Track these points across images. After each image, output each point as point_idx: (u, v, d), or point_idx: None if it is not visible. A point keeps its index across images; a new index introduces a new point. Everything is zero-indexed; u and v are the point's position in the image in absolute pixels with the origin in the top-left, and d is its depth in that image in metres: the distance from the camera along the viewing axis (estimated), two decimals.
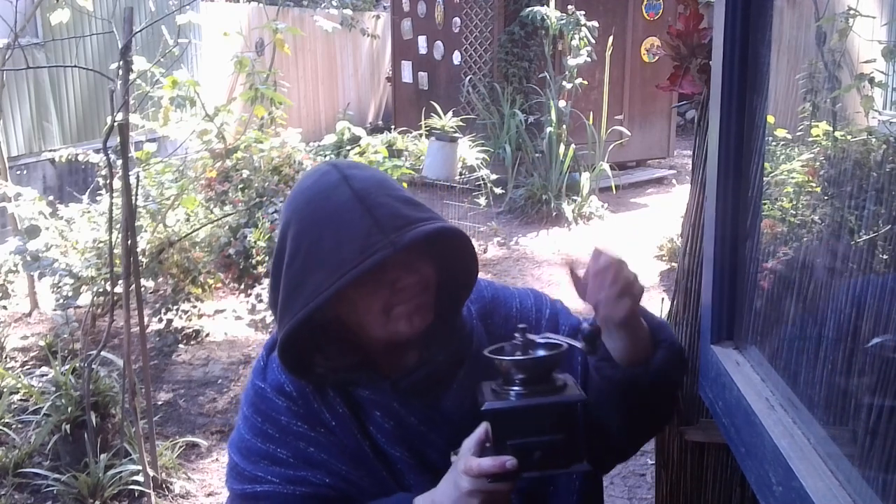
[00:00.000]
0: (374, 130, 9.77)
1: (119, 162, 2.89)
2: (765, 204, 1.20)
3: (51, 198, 4.32)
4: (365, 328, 1.08)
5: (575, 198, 7.36)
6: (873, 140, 1.08)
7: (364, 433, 1.11)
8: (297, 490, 1.09)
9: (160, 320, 4.00)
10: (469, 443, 0.97)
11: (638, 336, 1.07)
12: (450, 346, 1.12)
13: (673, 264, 5.47)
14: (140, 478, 2.91)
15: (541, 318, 1.23)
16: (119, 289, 3.08)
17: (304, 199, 1.06)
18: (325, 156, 7.43)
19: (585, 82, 7.52)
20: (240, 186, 3.99)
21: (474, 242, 1.25)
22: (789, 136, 1.31)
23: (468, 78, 8.59)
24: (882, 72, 1.08)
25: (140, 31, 3.11)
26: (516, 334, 1.01)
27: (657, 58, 8.39)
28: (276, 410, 1.12)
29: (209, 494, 3.10)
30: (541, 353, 1.00)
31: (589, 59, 7.38)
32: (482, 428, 0.97)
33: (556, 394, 0.98)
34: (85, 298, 4.06)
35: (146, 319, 3.27)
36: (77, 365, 3.23)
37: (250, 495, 1.11)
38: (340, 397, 1.11)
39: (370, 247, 0.99)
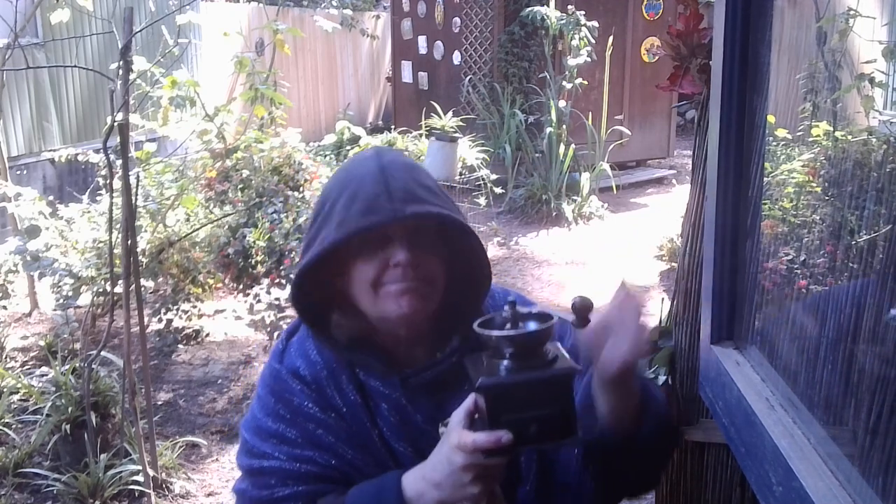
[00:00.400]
0: (374, 130, 9.77)
1: (119, 162, 2.89)
2: (765, 204, 1.20)
3: (51, 198, 4.32)
4: (360, 301, 1.12)
5: (575, 198, 7.36)
6: (874, 140, 1.08)
7: (373, 422, 1.13)
8: (302, 468, 1.11)
9: (160, 320, 4.00)
10: (458, 415, 0.97)
11: (624, 406, 1.07)
12: (463, 349, 1.13)
13: (673, 264, 5.47)
14: (140, 478, 2.91)
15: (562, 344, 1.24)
16: (119, 289, 3.07)
17: (340, 170, 1.17)
18: (325, 156, 7.45)
19: (585, 82, 7.52)
20: (239, 186, 3.99)
21: None
22: (790, 136, 1.31)
23: (468, 78, 8.59)
24: (882, 72, 1.08)
25: (140, 31, 3.10)
26: (505, 306, 1.00)
27: (657, 58, 8.39)
28: (289, 392, 1.15)
29: (209, 494, 3.10)
30: (532, 325, 0.99)
31: (589, 59, 7.38)
32: (471, 400, 0.97)
33: (549, 367, 0.96)
34: (85, 298, 4.06)
35: (146, 319, 3.27)
36: (77, 365, 3.23)
37: (257, 470, 1.14)
38: (353, 384, 1.14)
39: (373, 209, 1.05)
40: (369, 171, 1.09)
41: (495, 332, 0.97)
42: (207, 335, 4.54)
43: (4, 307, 4.33)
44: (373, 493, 1.06)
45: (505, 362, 0.96)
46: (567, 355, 1.00)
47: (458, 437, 0.95)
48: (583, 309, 0.99)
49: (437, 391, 1.13)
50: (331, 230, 1.06)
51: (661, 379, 1.70)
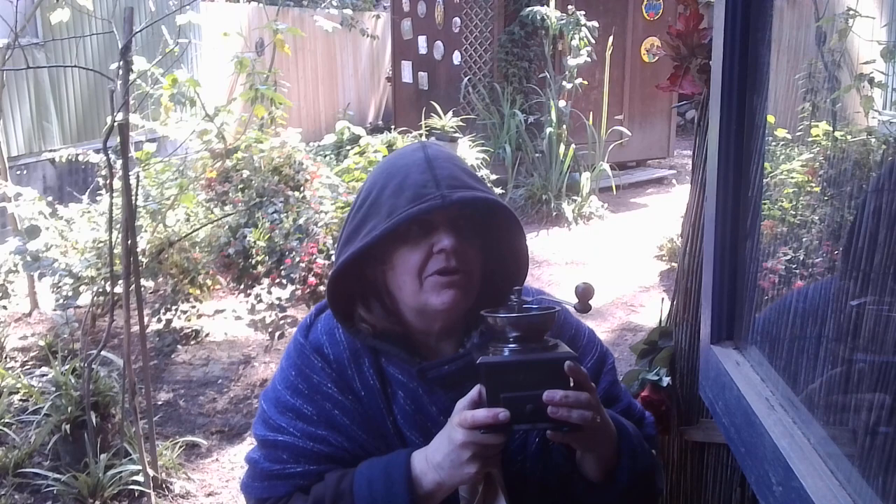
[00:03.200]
0: (374, 130, 9.76)
1: (119, 162, 2.89)
2: (765, 204, 1.20)
3: (51, 198, 4.32)
4: (402, 290, 1.13)
5: (575, 198, 7.36)
6: (873, 140, 1.08)
7: (389, 409, 1.15)
8: (314, 447, 1.14)
9: (159, 320, 4.00)
10: (463, 402, 1.02)
11: (593, 456, 1.10)
12: (487, 347, 1.14)
13: (673, 264, 5.47)
14: (140, 478, 2.91)
15: (585, 358, 1.25)
16: (119, 289, 3.07)
17: (386, 160, 1.18)
18: (325, 156, 7.43)
19: (585, 82, 7.52)
20: (240, 187, 3.99)
21: None
22: (789, 136, 1.31)
23: (468, 78, 8.59)
24: (882, 72, 1.08)
25: (140, 31, 3.10)
26: (511, 296, 1.06)
27: (657, 58, 8.39)
28: (310, 368, 1.17)
29: (209, 494, 3.10)
30: (534, 312, 1.05)
31: (589, 59, 7.38)
32: (476, 389, 1.01)
33: (548, 351, 1.03)
34: (85, 298, 4.06)
35: (146, 319, 3.27)
36: (77, 365, 3.23)
37: (270, 442, 1.16)
38: (374, 369, 1.16)
39: (422, 196, 1.07)
40: (415, 161, 1.11)
41: (499, 315, 1.03)
42: (207, 335, 4.54)
43: (4, 307, 4.33)
44: (382, 467, 1.09)
45: (508, 345, 1.02)
46: (568, 348, 1.05)
47: (459, 415, 1.00)
48: (585, 294, 1.04)
49: (455, 385, 1.13)
50: (380, 219, 1.07)
51: (665, 381, 1.70)
